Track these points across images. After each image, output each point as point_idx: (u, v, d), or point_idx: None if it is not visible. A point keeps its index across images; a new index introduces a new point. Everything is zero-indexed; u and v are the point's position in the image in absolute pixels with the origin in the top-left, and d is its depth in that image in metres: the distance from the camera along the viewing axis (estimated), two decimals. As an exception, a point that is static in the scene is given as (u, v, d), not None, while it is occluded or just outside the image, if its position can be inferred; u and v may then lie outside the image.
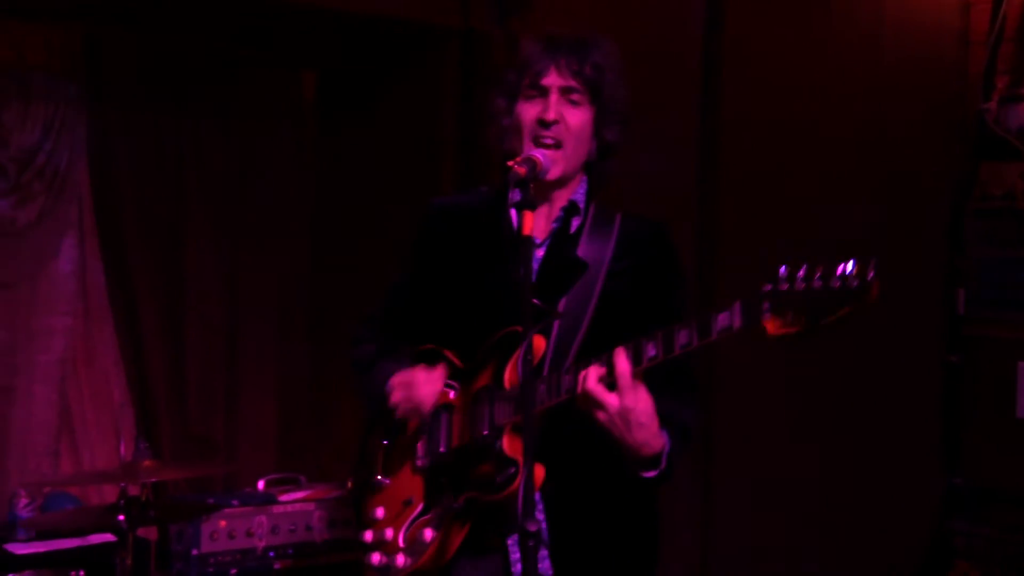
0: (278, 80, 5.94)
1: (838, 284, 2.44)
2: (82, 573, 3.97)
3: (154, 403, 5.52)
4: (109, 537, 4.31)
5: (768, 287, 2.50)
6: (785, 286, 2.49)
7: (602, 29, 3.17)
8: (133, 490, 3.90)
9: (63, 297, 5.43)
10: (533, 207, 2.70)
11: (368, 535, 3.08)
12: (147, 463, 4.02)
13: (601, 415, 2.65)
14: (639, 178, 4.29)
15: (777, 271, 2.53)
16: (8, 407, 5.31)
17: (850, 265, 2.46)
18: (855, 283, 2.42)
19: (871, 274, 2.42)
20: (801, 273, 2.48)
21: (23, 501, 4.80)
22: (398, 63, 5.49)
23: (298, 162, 5.96)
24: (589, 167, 3.05)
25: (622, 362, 2.63)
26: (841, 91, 4.39)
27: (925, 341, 4.18)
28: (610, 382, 2.64)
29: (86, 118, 5.36)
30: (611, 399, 2.62)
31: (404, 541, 3.01)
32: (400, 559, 2.99)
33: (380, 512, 3.10)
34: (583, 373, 2.71)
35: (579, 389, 2.71)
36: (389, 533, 3.04)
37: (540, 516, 2.84)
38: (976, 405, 4.07)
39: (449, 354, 3.07)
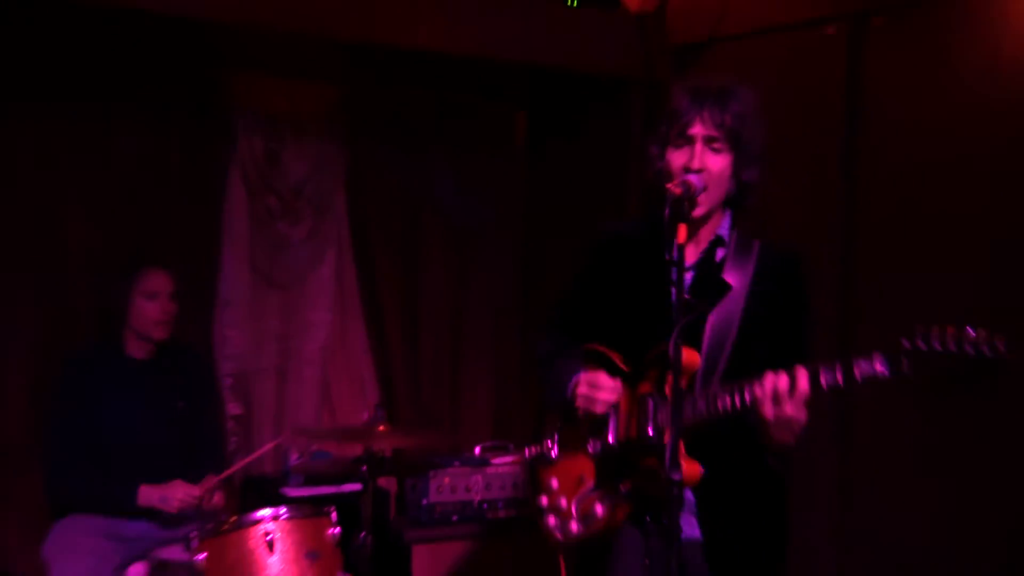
0: (494, 122, 6.18)
1: (970, 349, 2.45)
2: (333, 511, 4.11)
3: (393, 383, 5.87)
4: (358, 487, 4.60)
5: (906, 343, 2.53)
6: (921, 344, 2.51)
7: (757, 78, 3.25)
8: (376, 449, 4.27)
9: (325, 297, 5.83)
10: (687, 220, 2.73)
11: (544, 500, 3.19)
12: (383, 426, 4.31)
13: (769, 415, 2.73)
14: (786, 210, 4.31)
15: (914, 328, 2.53)
16: (283, 384, 5.75)
17: (981, 332, 2.46)
18: (986, 351, 2.44)
19: (1001, 345, 2.43)
20: (935, 331, 2.49)
21: (294, 455, 5.28)
22: (594, 108, 5.70)
23: (510, 188, 6.21)
24: (731, 201, 3.08)
25: (803, 382, 2.68)
26: (977, 131, 4.25)
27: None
28: (790, 390, 2.70)
29: (344, 156, 5.73)
30: (788, 407, 2.69)
31: (577, 511, 3.09)
32: (574, 526, 3.08)
33: (555, 483, 3.19)
34: (771, 377, 2.73)
35: (765, 390, 2.72)
36: (563, 502, 3.13)
37: (689, 496, 2.92)
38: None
39: (615, 357, 3.13)
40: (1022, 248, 4.10)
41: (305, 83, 5.67)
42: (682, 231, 2.63)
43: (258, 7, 4.52)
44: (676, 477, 2.49)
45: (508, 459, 5.36)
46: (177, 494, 4.42)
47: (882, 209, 4.56)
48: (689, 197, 2.75)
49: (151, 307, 4.54)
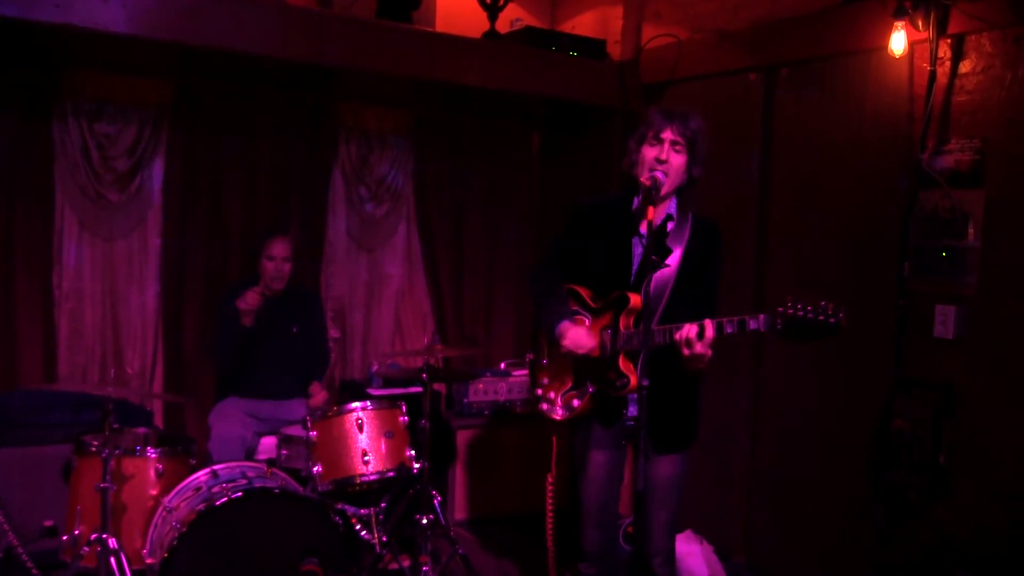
0: (517, 138, 6.26)
1: (822, 318, 2.59)
2: (403, 405, 4.16)
3: (445, 317, 5.99)
4: (419, 389, 4.65)
5: (781, 309, 2.67)
6: (791, 311, 2.64)
7: (702, 108, 3.39)
8: (432, 362, 4.31)
9: (398, 256, 5.96)
10: (655, 204, 2.87)
11: (539, 391, 3.30)
12: (438, 346, 4.54)
13: (687, 352, 2.85)
14: (721, 204, 4.43)
15: (785, 300, 2.68)
16: (368, 317, 5.89)
17: (830, 306, 2.60)
18: (832, 320, 2.59)
19: (841, 315, 2.59)
20: (800, 305, 2.63)
21: (375, 366, 5.54)
22: (587, 129, 5.75)
23: (528, 184, 6.30)
24: (680, 192, 3.16)
25: (709, 330, 2.80)
26: (848, 149, 4.25)
27: (887, 292, 3.99)
28: (699, 336, 2.80)
29: (413, 158, 5.90)
30: (699, 347, 2.81)
31: (561, 402, 3.19)
32: (559, 412, 3.20)
33: (546, 380, 3.28)
34: (687, 327, 2.81)
35: (681, 336, 2.81)
36: (552, 395, 3.23)
37: (634, 408, 2.95)
38: (911, 327, 3.90)
39: (584, 293, 3.19)
40: (876, 229, 4.16)
41: (388, 109, 5.82)
42: (650, 211, 2.77)
43: (360, 57, 4.57)
44: (645, 383, 2.56)
45: (523, 372, 5.49)
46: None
47: (785, 202, 4.65)
48: (656, 187, 2.93)
49: (270, 266, 4.74)
